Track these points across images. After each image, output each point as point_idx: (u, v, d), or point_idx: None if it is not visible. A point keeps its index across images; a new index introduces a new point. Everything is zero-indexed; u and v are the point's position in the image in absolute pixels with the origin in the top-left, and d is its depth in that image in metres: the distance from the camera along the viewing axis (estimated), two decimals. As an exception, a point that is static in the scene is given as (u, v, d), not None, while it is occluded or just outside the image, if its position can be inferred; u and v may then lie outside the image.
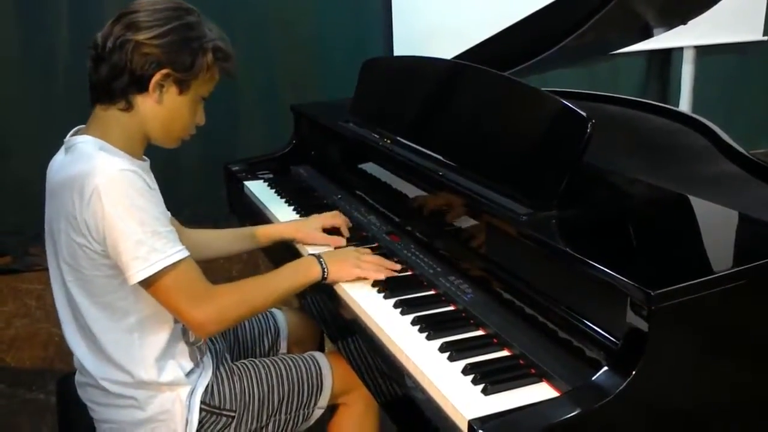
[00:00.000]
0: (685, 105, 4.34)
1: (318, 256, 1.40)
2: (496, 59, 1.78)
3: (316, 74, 3.56)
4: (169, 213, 1.29)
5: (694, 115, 1.91)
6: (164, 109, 1.24)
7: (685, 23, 1.97)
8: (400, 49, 3.61)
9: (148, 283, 1.18)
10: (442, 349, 1.16)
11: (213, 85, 1.29)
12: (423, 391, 1.10)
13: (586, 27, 1.69)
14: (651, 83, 4.32)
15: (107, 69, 1.20)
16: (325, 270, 1.38)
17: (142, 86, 1.21)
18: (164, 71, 1.21)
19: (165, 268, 1.16)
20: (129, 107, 1.23)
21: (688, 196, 1.32)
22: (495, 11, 2.75)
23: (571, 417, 0.92)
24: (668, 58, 4.23)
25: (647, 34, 2.09)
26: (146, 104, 1.23)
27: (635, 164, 1.59)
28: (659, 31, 2.06)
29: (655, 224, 1.26)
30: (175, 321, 1.28)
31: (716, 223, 1.26)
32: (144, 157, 1.30)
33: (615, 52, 3.28)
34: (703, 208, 1.29)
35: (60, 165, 1.24)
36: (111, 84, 1.21)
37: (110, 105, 1.23)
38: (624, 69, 4.17)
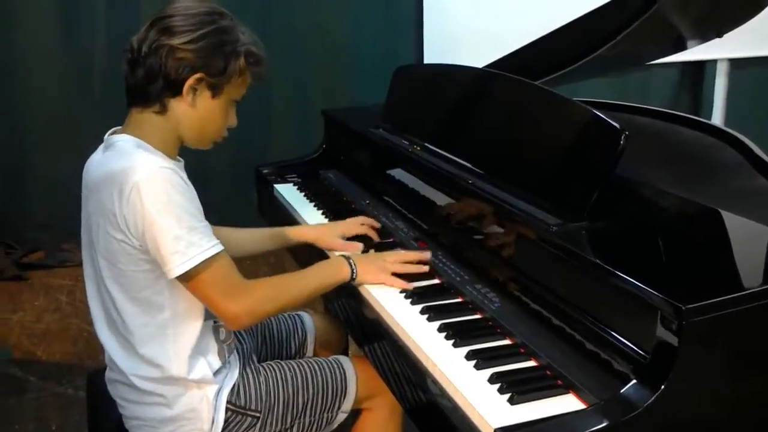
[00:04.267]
0: (717, 118, 4.28)
1: (348, 257, 1.42)
2: (528, 68, 1.78)
3: (348, 80, 3.58)
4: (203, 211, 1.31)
5: (728, 129, 1.88)
6: (197, 112, 1.26)
7: (720, 36, 1.95)
8: (430, 56, 3.62)
9: (186, 278, 1.20)
10: (469, 357, 1.16)
11: (245, 88, 1.31)
12: (449, 398, 1.10)
13: (619, 38, 1.68)
14: (683, 95, 4.27)
15: (143, 73, 1.23)
16: (354, 271, 1.40)
17: (176, 90, 1.24)
18: (197, 75, 1.23)
19: (202, 262, 1.19)
20: (163, 110, 1.25)
21: (721, 210, 1.31)
22: (527, 19, 2.73)
23: (597, 429, 0.92)
24: (701, 70, 4.17)
25: (681, 47, 2.07)
26: (180, 108, 1.25)
27: (667, 177, 1.57)
28: (693, 44, 2.04)
29: (687, 238, 1.25)
30: (206, 318, 1.30)
31: (748, 239, 1.24)
32: (178, 157, 1.32)
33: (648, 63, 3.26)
34: (735, 223, 1.28)
35: (98, 162, 1.27)
36: (146, 88, 1.23)
37: (145, 108, 1.26)
38: (655, 80, 4.13)
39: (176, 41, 1.21)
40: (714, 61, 4.16)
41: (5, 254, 3.22)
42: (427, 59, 3.62)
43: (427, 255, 1.46)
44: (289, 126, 3.56)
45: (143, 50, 1.22)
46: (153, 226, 1.17)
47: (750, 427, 1.06)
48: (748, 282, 1.05)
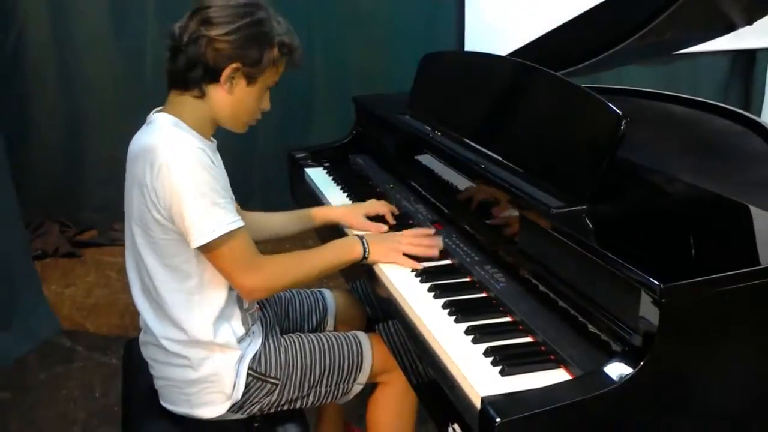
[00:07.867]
0: (768, 108, 4.18)
1: (361, 237, 1.49)
2: (558, 54, 1.79)
3: (388, 67, 3.63)
4: (230, 190, 1.40)
5: (756, 118, 1.87)
6: (234, 98, 1.35)
7: (750, 24, 1.93)
8: (471, 43, 3.63)
9: (206, 249, 1.30)
10: (468, 332, 1.21)
11: (279, 75, 1.40)
12: (444, 369, 1.15)
13: (654, 23, 1.66)
14: (733, 84, 4.17)
15: (184, 61, 1.32)
16: (366, 250, 1.47)
17: (214, 78, 1.33)
18: (234, 65, 1.32)
19: (222, 236, 1.28)
20: (202, 95, 1.35)
21: (726, 196, 1.32)
22: (571, 6, 2.70)
23: (575, 401, 0.96)
24: (753, 59, 4.07)
25: (721, 32, 2.03)
26: (218, 94, 1.35)
27: (685, 164, 1.58)
28: (719, 34, 2.01)
29: (685, 223, 1.27)
30: (230, 288, 1.39)
31: (749, 226, 1.26)
32: (212, 138, 1.41)
33: (692, 50, 3.20)
34: (738, 210, 1.29)
35: (138, 136, 1.37)
36: (187, 74, 1.33)
37: (185, 92, 1.35)
38: (705, 69, 4.05)
39: (214, 33, 1.30)
40: (766, 50, 4.05)
41: (60, 232, 3.41)
42: (468, 46, 3.63)
43: (438, 239, 1.51)
44: (330, 113, 3.63)
45: (184, 39, 1.32)
46: (179, 200, 1.26)
47: (726, 407, 1.08)
48: (732, 265, 1.06)
